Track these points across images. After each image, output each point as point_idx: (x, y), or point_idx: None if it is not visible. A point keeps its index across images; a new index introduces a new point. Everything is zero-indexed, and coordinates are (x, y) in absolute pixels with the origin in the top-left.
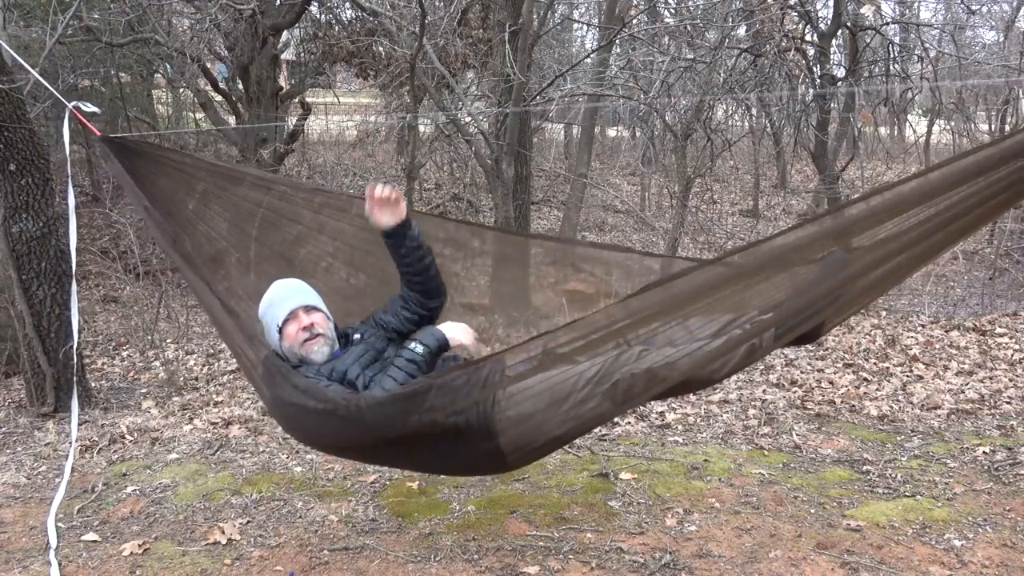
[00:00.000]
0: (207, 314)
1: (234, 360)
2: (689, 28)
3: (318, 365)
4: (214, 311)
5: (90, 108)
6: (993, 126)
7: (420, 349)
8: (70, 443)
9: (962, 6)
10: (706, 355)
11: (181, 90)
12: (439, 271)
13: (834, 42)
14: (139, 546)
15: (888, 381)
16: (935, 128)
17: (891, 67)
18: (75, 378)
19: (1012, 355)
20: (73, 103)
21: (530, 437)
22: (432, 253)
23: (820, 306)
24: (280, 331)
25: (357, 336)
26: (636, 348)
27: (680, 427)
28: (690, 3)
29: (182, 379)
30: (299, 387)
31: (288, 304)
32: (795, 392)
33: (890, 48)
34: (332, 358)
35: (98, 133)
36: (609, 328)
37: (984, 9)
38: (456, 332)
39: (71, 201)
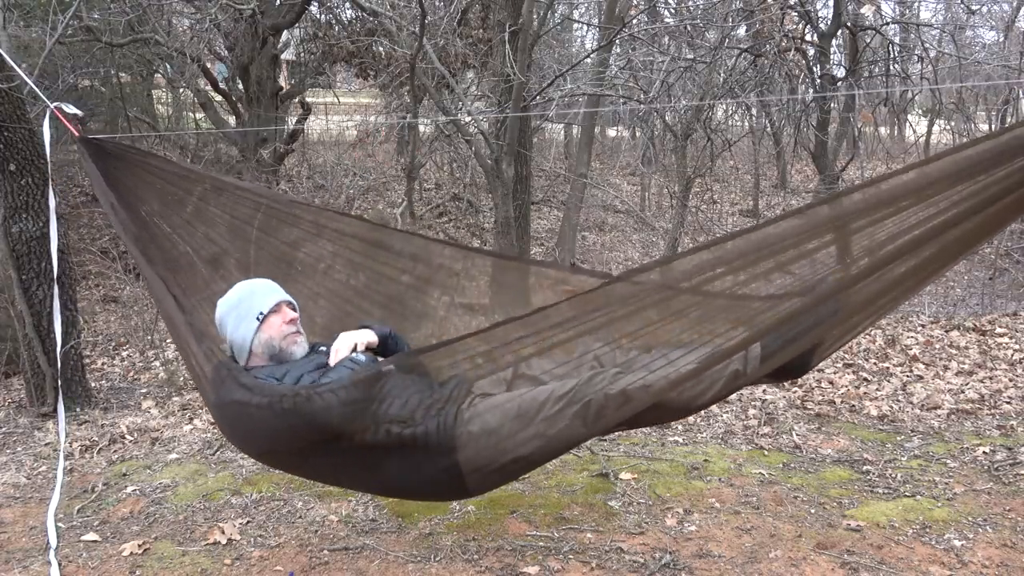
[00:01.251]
0: (163, 317)
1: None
2: (689, 28)
3: (272, 367)
4: (169, 312)
5: (72, 109)
6: (993, 126)
7: (363, 359)
8: (59, 443)
9: (962, 6)
10: (683, 375)
11: (181, 90)
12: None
13: (834, 42)
14: (139, 546)
15: (888, 381)
16: (935, 128)
17: (891, 67)
18: (59, 381)
19: (1012, 355)
20: (55, 103)
21: (492, 454)
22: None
23: (811, 322)
24: (261, 320)
25: (323, 348)
26: (611, 370)
27: (680, 427)
28: (690, 3)
29: (182, 379)
30: (245, 384)
31: (275, 296)
32: (795, 392)
33: (890, 48)
34: (290, 361)
35: (78, 133)
36: (586, 335)
37: (984, 9)
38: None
39: (52, 203)
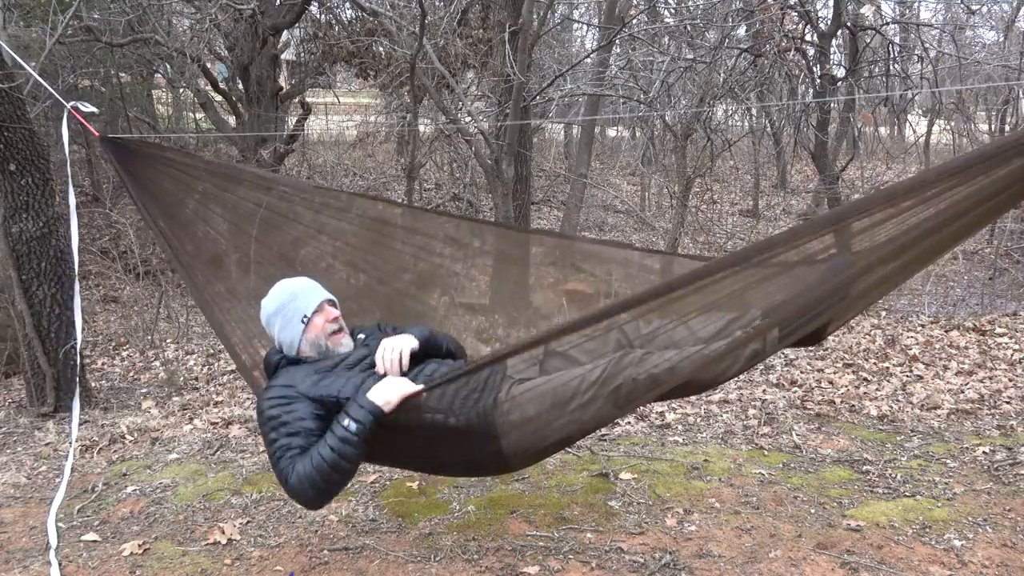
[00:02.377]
0: (204, 313)
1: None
2: (689, 28)
3: (320, 360)
4: (212, 311)
5: (88, 108)
6: (993, 126)
7: (353, 427)
8: (70, 443)
9: (962, 6)
10: (708, 358)
11: (181, 90)
12: (459, 345)
13: (834, 42)
14: (139, 546)
15: (888, 381)
16: (935, 128)
17: (891, 67)
18: (76, 378)
19: (1012, 355)
20: (72, 103)
21: (532, 439)
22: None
23: (823, 308)
24: (307, 322)
25: (361, 336)
26: (638, 351)
27: (680, 427)
28: (690, 3)
29: (182, 379)
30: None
31: (316, 296)
32: (795, 392)
33: (890, 48)
34: (338, 358)
35: (96, 133)
36: (609, 323)
37: (984, 9)
38: (389, 394)
39: (72, 201)
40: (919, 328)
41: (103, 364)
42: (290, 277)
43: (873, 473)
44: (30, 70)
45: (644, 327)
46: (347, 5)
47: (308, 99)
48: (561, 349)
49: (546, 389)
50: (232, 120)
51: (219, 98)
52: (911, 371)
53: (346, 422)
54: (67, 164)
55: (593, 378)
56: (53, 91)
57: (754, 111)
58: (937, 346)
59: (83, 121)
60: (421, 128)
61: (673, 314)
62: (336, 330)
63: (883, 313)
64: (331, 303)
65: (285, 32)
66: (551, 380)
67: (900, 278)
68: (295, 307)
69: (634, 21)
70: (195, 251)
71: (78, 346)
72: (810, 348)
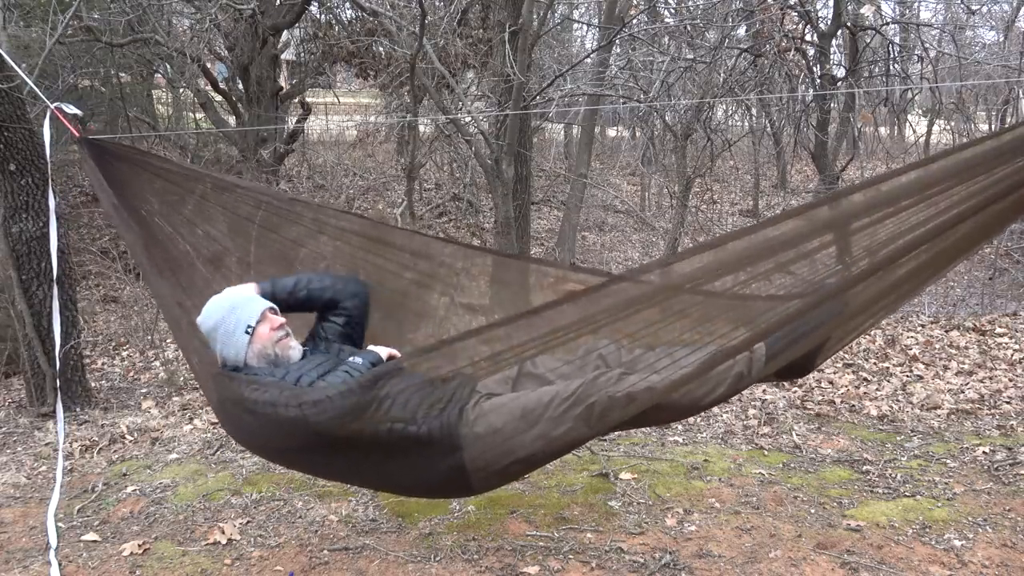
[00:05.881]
0: (165, 316)
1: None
2: (689, 28)
3: (270, 370)
4: (171, 311)
5: (72, 109)
6: (993, 126)
7: (360, 362)
8: (59, 443)
9: (962, 6)
10: (687, 376)
11: (181, 90)
12: (320, 284)
13: (834, 42)
14: (139, 546)
15: (888, 381)
16: (935, 128)
17: (891, 67)
18: (59, 381)
19: (1012, 355)
20: (55, 103)
21: (496, 454)
22: (307, 285)
23: (816, 323)
24: (252, 332)
25: (321, 349)
26: (616, 370)
27: (680, 427)
28: (690, 3)
29: (182, 379)
30: (250, 384)
31: (258, 305)
32: (795, 392)
33: (890, 48)
34: (291, 364)
35: (78, 134)
36: (587, 335)
37: (984, 9)
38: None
39: (51, 203)
40: (919, 328)
41: (103, 364)
42: (218, 292)
43: (873, 473)
44: (19, 70)
45: (626, 355)
46: (347, 5)
47: (308, 99)
48: (536, 371)
49: (516, 403)
50: (232, 120)
51: (219, 98)
52: (911, 371)
53: (352, 359)
54: (48, 166)
55: (566, 393)
56: (38, 91)
57: (754, 111)
58: (937, 346)
59: (65, 121)
60: (421, 128)
61: (657, 343)
62: (283, 336)
63: None
64: (273, 311)
65: (285, 32)
66: (523, 395)
67: (902, 292)
68: (236, 319)
69: (634, 21)
70: (165, 256)
71: (57, 349)
72: None
